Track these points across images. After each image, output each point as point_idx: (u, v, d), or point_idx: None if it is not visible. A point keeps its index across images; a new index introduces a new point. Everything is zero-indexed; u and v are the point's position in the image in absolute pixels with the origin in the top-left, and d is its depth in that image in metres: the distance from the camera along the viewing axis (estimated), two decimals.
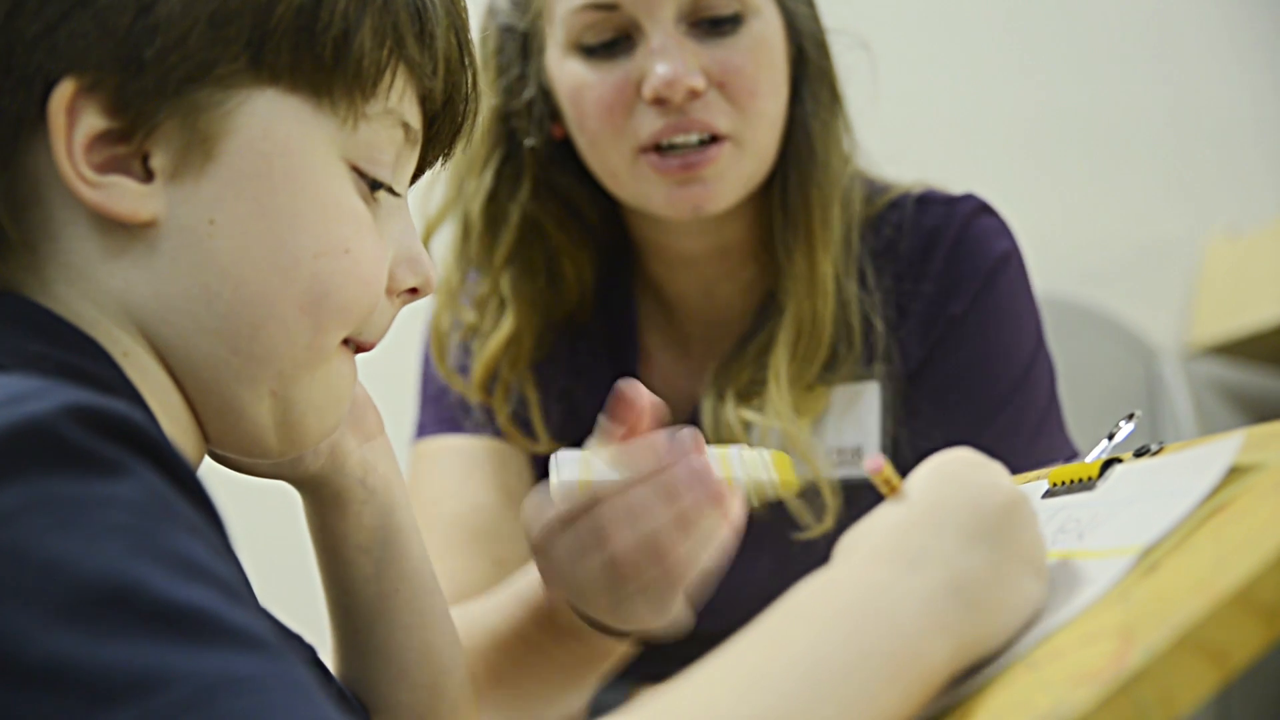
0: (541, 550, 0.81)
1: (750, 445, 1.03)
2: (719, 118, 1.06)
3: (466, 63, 0.72)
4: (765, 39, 1.08)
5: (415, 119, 0.70)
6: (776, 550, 1.08)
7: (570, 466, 0.82)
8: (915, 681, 0.54)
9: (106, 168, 0.62)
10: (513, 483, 1.17)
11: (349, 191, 0.67)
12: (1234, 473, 0.61)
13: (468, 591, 1.09)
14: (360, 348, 0.71)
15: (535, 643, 0.89)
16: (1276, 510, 0.53)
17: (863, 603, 0.56)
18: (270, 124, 0.64)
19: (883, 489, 0.63)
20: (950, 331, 1.11)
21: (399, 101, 0.68)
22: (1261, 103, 2.32)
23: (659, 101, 1.05)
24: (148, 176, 0.63)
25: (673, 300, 1.19)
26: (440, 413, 1.20)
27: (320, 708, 0.47)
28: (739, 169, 1.08)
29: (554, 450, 1.11)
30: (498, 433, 1.18)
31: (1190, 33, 2.33)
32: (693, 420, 1.12)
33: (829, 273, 1.09)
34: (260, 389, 0.66)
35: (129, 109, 0.61)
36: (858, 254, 1.12)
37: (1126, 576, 0.58)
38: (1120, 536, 0.62)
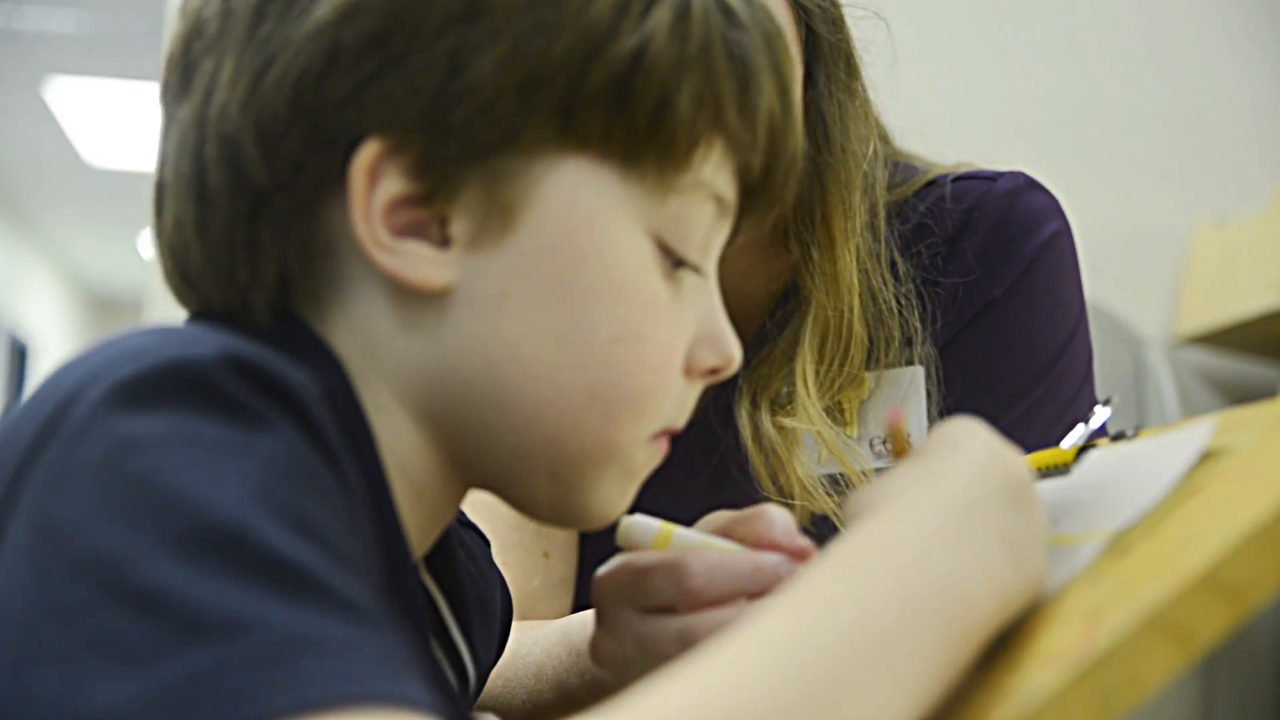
0: (604, 600, 0.75)
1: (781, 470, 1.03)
2: None
3: (789, 127, 0.67)
4: None
5: (729, 191, 0.65)
6: None
7: (646, 523, 0.74)
8: (964, 640, 0.52)
9: (404, 231, 0.60)
10: None
11: (650, 271, 0.63)
12: (1207, 457, 0.62)
13: (524, 588, 1.09)
14: (667, 433, 0.67)
15: (572, 691, 0.87)
16: (1243, 494, 0.53)
17: (917, 557, 0.53)
18: (575, 195, 0.61)
19: (892, 441, 0.62)
20: (986, 313, 1.07)
21: (713, 174, 0.64)
22: (1250, 91, 2.32)
23: None
24: (444, 243, 0.61)
25: None
26: None
27: (404, 684, 0.46)
28: None
29: None
30: None
31: (1179, 20, 2.33)
32: (723, 422, 1.10)
33: (851, 266, 1.04)
34: (538, 467, 0.63)
35: (431, 173, 0.60)
36: (885, 238, 1.07)
37: (1099, 560, 0.59)
38: (1093, 521, 0.63)
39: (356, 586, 0.49)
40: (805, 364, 1.04)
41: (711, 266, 0.67)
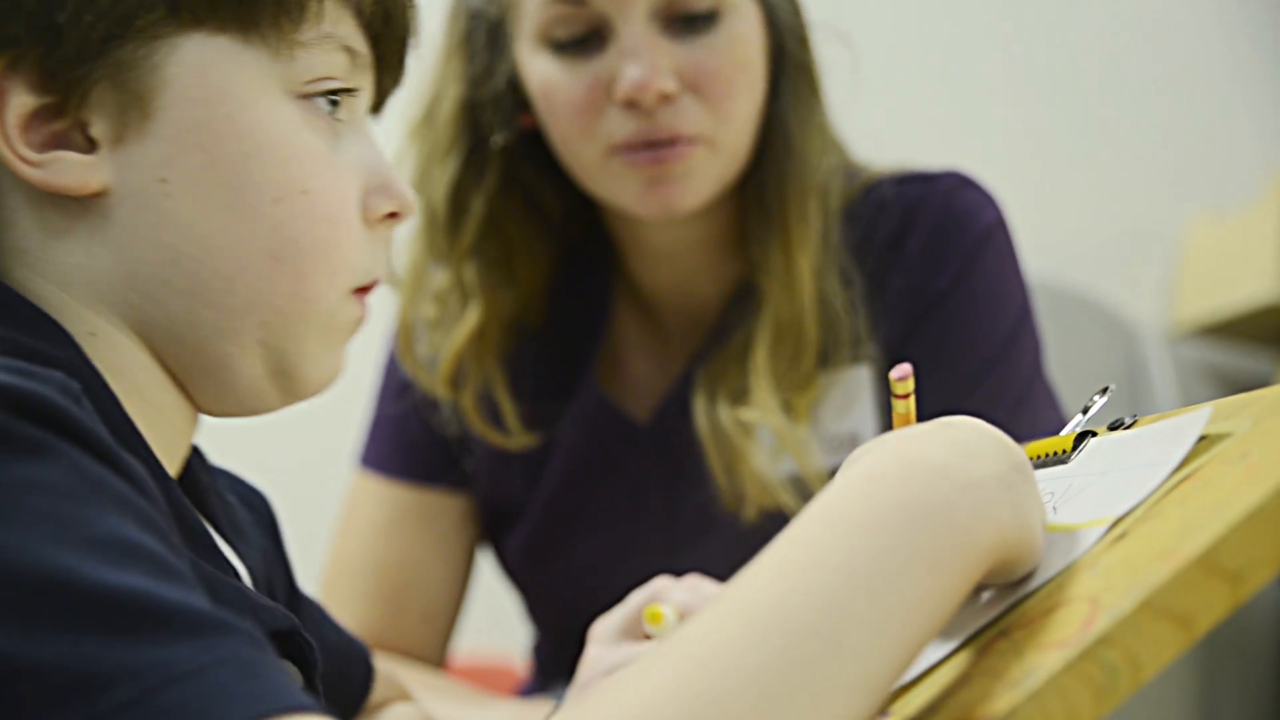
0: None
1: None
2: (690, 123, 1.03)
3: None
4: (742, 36, 1.04)
5: (358, 41, 0.68)
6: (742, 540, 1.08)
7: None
8: (961, 566, 0.52)
9: (47, 145, 0.61)
10: (445, 534, 1.20)
11: (298, 126, 0.65)
12: (1203, 441, 0.62)
13: (384, 641, 1.15)
14: (364, 289, 0.69)
15: None
16: (1241, 477, 0.54)
17: (916, 490, 0.53)
18: (202, 70, 0.62)
19: (896, 392, 0.64)
20: (933, 308, 1.09)
21: (334, 24, 0.66)
22: (1244, 83, 2.33)
23: (630, 104, 1.02)
24: (90, 147, 0.62)
25: (650, 294, 1.17)
26: (382, 450, 1.20)
27: (267, 683, 0.46)
28: (710, 168, 1.05)
29: (525, 445, 1.15)
30: (438, 481, 1.19)
31: (1174, 14, 2.34)
32: (680, 418, 1.11)
33: (806, 270, 1.07)
34: (245, 340, 0.64)
35: (56, 80, 0.60)
36: (837, 246, 1.10)
37: (1098, 546, 0.59)
38: (1093, 509, 0.63)
39: (187, 591, 0.48)
40: (759, 360, 1.07)
41: (363, 117, 0.69)
